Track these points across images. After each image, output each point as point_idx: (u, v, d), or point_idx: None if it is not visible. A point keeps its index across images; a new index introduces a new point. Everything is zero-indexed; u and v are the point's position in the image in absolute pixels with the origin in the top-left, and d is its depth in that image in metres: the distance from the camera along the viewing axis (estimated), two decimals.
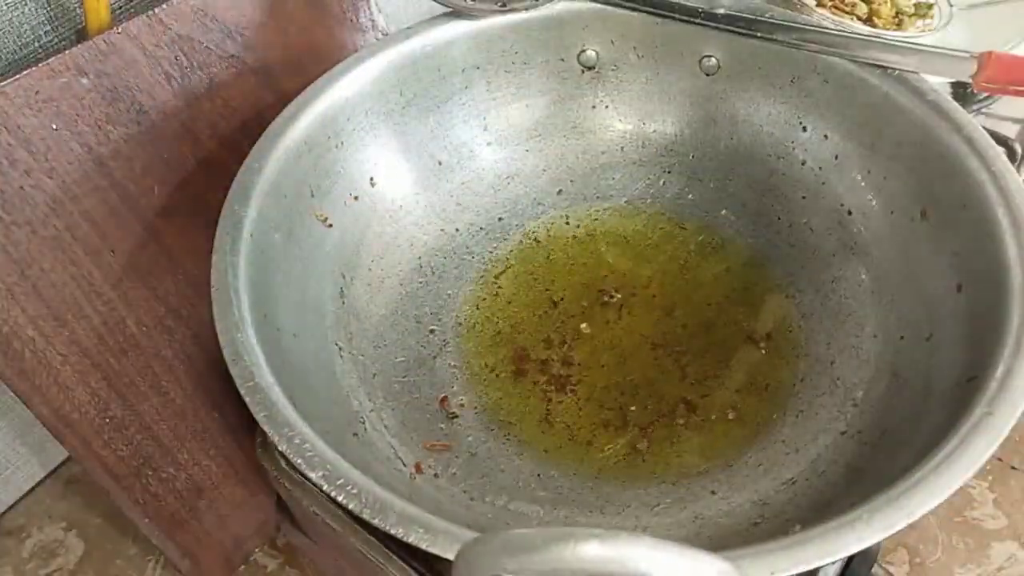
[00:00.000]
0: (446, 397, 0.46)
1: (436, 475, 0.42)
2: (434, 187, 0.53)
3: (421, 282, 0.51)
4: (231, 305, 0.37)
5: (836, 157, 0.49)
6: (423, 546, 0.29)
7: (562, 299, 0.51)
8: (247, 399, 0.34)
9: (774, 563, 0.28)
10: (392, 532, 0.30)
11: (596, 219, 0.55)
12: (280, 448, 0.32)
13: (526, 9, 0.51)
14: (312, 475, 0.31)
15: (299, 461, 0.32)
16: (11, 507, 0.59)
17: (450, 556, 0.28)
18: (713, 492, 0.41)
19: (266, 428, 0.33)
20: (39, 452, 0.59)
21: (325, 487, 0.31)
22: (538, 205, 0.55)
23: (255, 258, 0.40)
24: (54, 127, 0.42)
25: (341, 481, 0.31)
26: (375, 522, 0.30)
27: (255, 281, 0.39)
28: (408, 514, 0.30)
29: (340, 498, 0.31)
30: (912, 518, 0.29)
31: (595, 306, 0.51)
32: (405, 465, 0.42)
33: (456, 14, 0.50)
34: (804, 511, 0.38)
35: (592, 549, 0.20)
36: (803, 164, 0.51)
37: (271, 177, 0.43)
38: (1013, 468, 0.58)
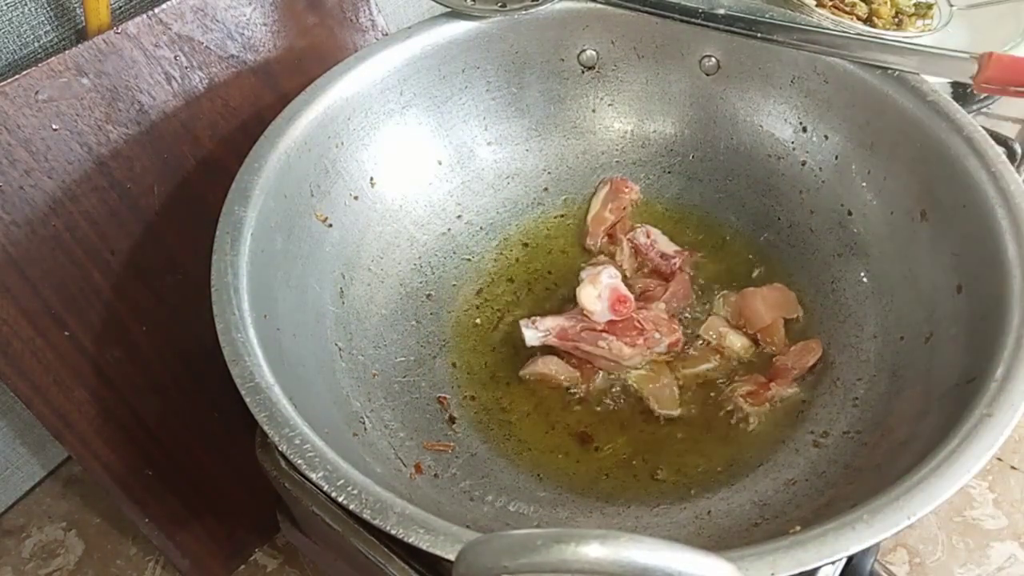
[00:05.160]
0: (446, 397, 0.46)
1: (436, 475, 0.42)
2: (434, 187, 0.53)
3: (421, 282, 0.51)
4: (231, 305, 0.37)
5: (836, 157, 0.49)
6: (423, 546, 0.29)
7: (562, 299, 0.51)
8: (247, 399, 0.34)
9: (774, 563, 0.28)
10: (392, 532, 0.30)
11: None
12: (280, 448, 0.32)
13: (526, 9, 0.51)
14: (312, 475, 0.31)
15: (299, 461, 0.32)
16: (11, 507, 0.59)
17: (450, 556, 0.29)
18: (714, 493, 0.41)
19: (266, 428, 0.33)
20: (39, 452, 0.59)
21: (325, 487, 0.31)
22: (538, 205, 0.55)
23: (255, 258, 0.40)
24: (54, 127, 0.42)
25: (341, 482, 0.31)
26: (375, 522, 0.30)
27: (255, 281, 0.39)
28: (408, 514, 0.30)
29: (340, 498, 0.31)
30: (912, 519, 0.29)
31: None
32: (405, 465, 0.42)
33: (456, 14, 0.50)
34: (804, 511, 0.38)
35: (593, 550, 0.20)
36: (803, 164, 0.51)
37: (271, 177, 0.43)
38: (1013, 468, 0.58)
